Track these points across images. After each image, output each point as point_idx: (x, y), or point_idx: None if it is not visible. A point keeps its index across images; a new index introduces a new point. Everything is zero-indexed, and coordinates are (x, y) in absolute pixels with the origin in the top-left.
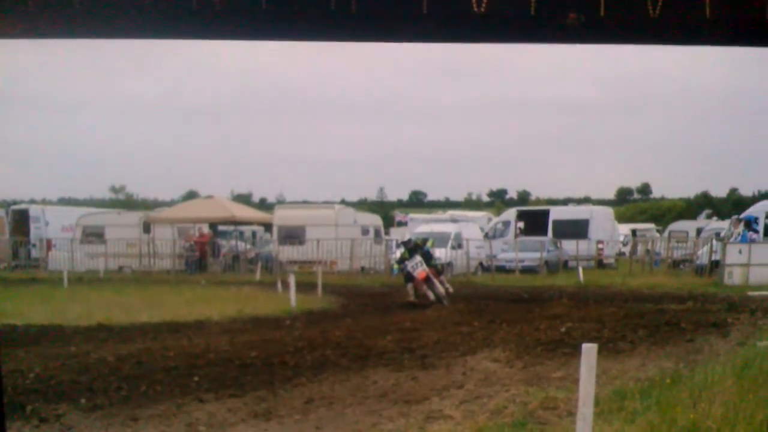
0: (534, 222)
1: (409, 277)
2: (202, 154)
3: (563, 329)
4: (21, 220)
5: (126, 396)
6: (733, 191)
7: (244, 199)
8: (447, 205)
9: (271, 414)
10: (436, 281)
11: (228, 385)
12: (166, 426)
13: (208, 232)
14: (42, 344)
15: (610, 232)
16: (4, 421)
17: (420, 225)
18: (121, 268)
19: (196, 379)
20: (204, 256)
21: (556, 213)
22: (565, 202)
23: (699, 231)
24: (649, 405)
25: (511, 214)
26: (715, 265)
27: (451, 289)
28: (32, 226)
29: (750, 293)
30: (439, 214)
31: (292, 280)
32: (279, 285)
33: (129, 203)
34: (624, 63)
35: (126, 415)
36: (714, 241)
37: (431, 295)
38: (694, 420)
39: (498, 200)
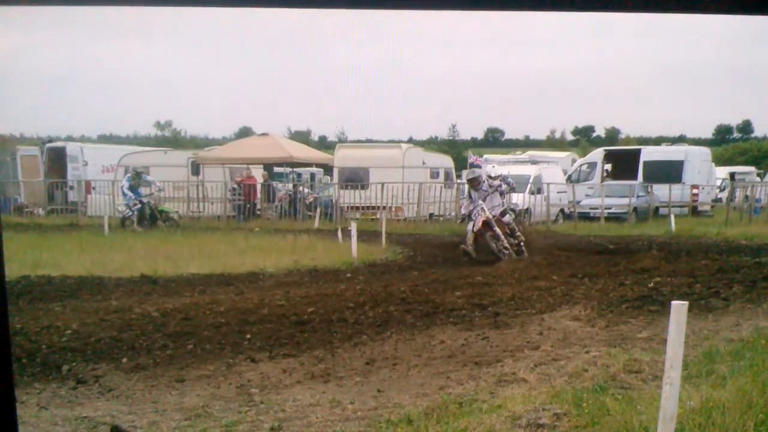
0: (623, 164)
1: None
2: (257, 87)
3: (651, 284)
4: (57, 160)
5: (172, 355)
6: None
7: (302, 137)
8: (526, 144)
9: (330, 375)
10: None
11: (283, 343)
12: (214, 388)
13: (264, 173)
14: (80, 298)
15: (706, 176)
16: (12, 388)
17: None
18: None
19: (248, 336)
20: (249, 200)
21: (648, 153)
22: (658, 141)
23: None
24: (741, 368)
25: (597, 154)
26: None
27: (523, 238)
28: (69, 167)
29: None
30: (517, 155)
31: (353, 228)
32: (339, 233)
33: (176, 141)
34: None
35: (171, 375)
36: None
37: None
38: None
39: (584, 139)
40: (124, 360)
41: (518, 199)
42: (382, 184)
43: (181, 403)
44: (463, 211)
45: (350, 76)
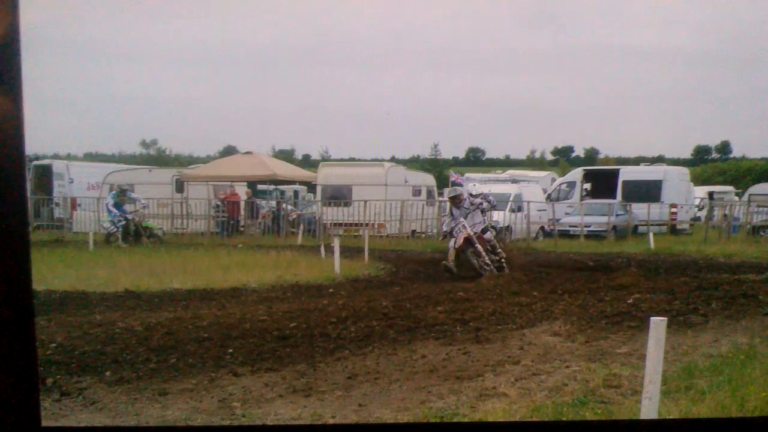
0: (602, 183)
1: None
2: (242, 106)
3: (630, 301)
4: (43, 177)
5: (155, 369)
6: None
7: (285, 155)
8: (507, 163)
9: (312, 390)
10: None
11: (265, 358)
12: (197, 401)
13: (248, 190)
14: (65, 312)
15: (684, 195)
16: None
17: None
18: None
19: (230, 351)
20: (233, 216)
21: (627, 173)
22: (637, 161)
23: None
24: (719, 383)
25: (576, 174)
26: None
27: (504, 255)
28: (55, 184)
29: None
30: (498, 174)
31: (336, 244)
32: (322, 250)
33: (161, 159)
34: (720, 9)
35: (154, 389)
36: None
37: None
38: (767, 399)
39: (563, 159)
40: (108, 373)
41: (499, 216)
42: (365, 202)
43: (164, 416)
44: (444, 228)
45: (334, 96)
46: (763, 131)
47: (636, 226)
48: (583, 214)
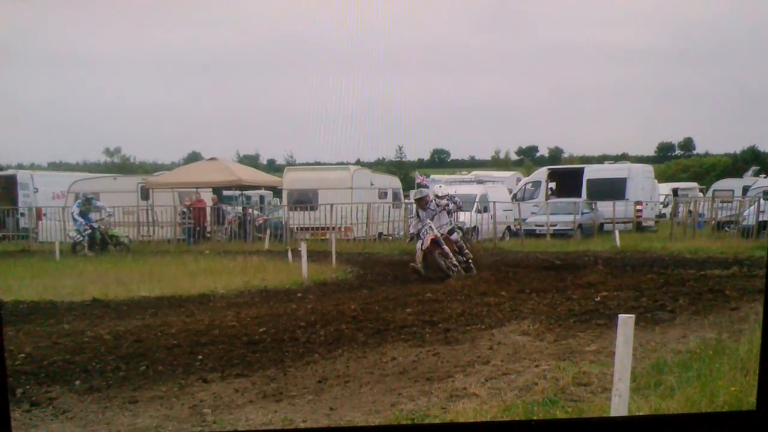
0: (567, 182)
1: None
2: (205, 113)
3: (598, 298)
4: (8, 187)
5: (124, 377)
6: None
7: (250, 160)
8: (472, 164)
9: (282, 394)
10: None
11: (234, 363)
12: (167, 408)
13: (213, 196)
14: (33, 322)
15: (649, 192)
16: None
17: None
18: None
19: (200, 357)
20: (199, 223)
21: (591, 172)
22: (601, 159)
23: (746, 189)
24: (688, 379)
25: (541, 173)
26: (763, 227)
27: (471, 256)
28: (20, 194)
29: None
30: (463, 175)
31: (303, 248)
32: (289, 254)
33: (125, 167)
34: (681, 7)
35: (124, 397)
36: (762, 200)
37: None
38: (736, 394)
39: (527, 158)
40: (78, 382)
41: (465, 217)
42: (332, 205)
43: (135, 424)
44: (411, 230)
45: (298, 100)
46: (725, 127)
47: (602, 224)
48: (549, 213)
